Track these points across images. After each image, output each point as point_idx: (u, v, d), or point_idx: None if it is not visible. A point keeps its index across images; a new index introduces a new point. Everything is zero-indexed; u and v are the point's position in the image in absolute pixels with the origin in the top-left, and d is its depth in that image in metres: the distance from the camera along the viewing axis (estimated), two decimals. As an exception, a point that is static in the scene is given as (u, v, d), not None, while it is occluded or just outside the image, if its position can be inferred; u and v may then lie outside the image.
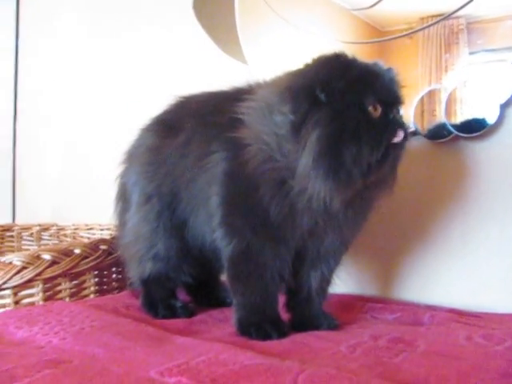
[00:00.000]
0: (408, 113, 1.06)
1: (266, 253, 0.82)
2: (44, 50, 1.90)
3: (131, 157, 1.04)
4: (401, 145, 0.79)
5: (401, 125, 0.78)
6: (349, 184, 0.75)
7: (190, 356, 0.69)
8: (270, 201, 0.79)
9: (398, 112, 0.80)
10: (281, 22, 1.24)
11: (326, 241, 0.84)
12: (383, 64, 0.82)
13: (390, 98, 0.78)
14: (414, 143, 1.07)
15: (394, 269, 1.13)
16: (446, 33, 1.06)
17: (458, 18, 1.04)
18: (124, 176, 1.04)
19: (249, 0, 1.26)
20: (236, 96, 0.85)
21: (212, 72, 1.38)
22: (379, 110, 0.76)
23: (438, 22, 1.06)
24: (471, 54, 1.03)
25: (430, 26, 1.07)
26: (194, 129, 0.91)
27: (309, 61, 0.80)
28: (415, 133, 1.07)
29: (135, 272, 1.00)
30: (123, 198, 1.04)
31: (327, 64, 0.77)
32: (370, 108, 0.76)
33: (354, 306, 1.03)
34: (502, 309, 0.97)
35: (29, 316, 0.89)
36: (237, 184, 0.83)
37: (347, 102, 0.75)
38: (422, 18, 1.09)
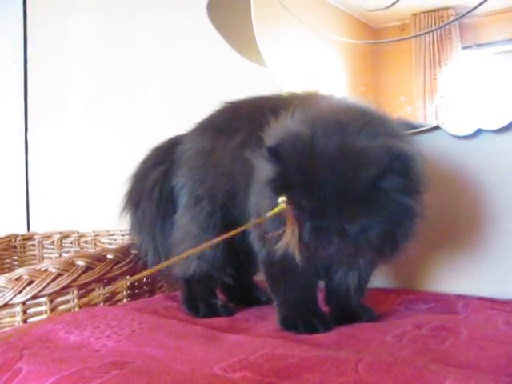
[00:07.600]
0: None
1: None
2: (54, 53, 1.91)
3: (177, 160, 1.04)
4: None
5: None
6: None
7: (247, 352, 0.71)
8: None
9: None
10: (296, 22, 1.25)
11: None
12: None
13: None
14: (436, 138, 1.11)
15: (420, 260, 1.15)
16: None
17: (447, 9, 1.06)
18: (169, 180, 1.04)
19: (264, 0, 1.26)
20: (292, 101, 0.85)
21: (230, 76, 1.40)
22: None
23: (437, 28, 1.07)
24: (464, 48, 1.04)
25: (426, 32, 1.09)
26: (250, 131, 0.90)
27: None
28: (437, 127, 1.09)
29: (178, 270, 1.01)
30: (167, 201, 1.04)
31: None
32: None
33: (386, 298, 1.05)
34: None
35: (75, 321, 0.91)
36: None
37: None
38: (415, 15, 1.10)
